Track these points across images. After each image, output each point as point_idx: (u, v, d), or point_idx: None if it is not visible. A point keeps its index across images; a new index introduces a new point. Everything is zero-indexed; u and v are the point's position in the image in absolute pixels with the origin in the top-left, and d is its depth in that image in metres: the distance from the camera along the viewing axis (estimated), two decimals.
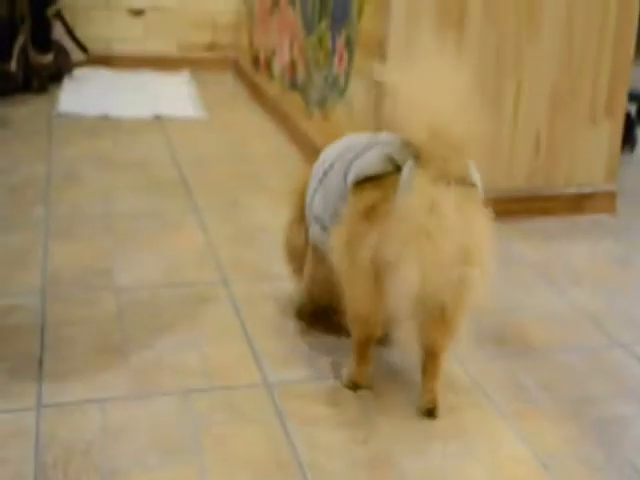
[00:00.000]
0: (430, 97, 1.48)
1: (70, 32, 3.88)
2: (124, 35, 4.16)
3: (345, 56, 2.63)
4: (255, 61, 3.82)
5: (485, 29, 2.37)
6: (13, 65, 3.54)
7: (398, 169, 1.49)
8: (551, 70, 2.48)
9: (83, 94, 3.64)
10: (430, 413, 1.58)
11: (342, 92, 2.68)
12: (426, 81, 1.49)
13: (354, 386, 1.65)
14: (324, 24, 2.83)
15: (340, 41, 2.66)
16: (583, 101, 2.54)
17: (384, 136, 1.58)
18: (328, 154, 1.73)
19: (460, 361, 1.75)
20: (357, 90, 2.56)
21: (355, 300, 1.57)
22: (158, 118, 3.40)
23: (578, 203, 2.61)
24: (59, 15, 3.85)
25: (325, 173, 1.69)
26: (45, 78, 3.70)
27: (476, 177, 1.53)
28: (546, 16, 2.42)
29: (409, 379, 1.68)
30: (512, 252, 2.32)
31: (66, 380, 1.60)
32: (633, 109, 3.48)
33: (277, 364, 1.71)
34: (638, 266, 2.30)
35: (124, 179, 2.67)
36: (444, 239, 1.43)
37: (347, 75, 2.63)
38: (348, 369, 1.67)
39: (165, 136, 3.16)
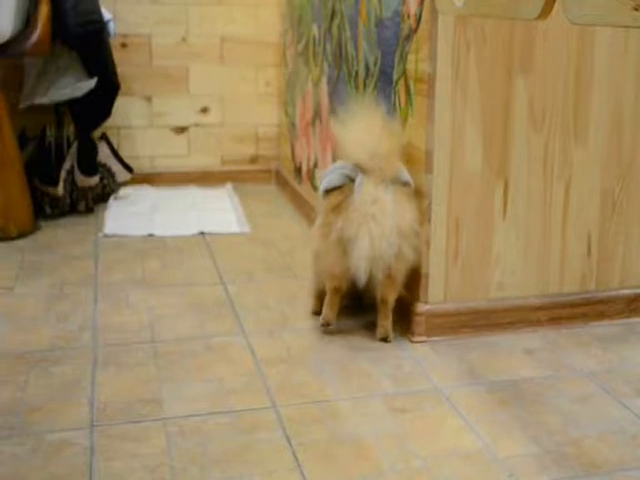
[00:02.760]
0: (366, 137, 2.25)
1: (115, 153, 3.94)
2: (168, 152, 4.22)
3: None
4: (297, 172, 3.84)
5: (531, 134, 2.35)
6: (60, 189, 3.59)
7: (352, 181, 2.22)
8: (600, 170, 2.44)
9: (128, 214, 3.68)
10: (384, 340, 2.34)
11: None
12: (362, 129, 2.27)
13: (327, 324, 2.36)
14: None
15: None
16: (634, 199, 2.50)
17: (342, 163, 2.31)
18: None
19: None
20: None
21: (328, 265, 2.31)
22: (203, 234, 3.41)
23: (634, 304, 2.54)
24: (104, 137, 3.93)
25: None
26: (91, 200, 3.74)
27: (407, 177, 2.25)
28: (593, 116, 2.39)
29: None
30: (568, 361, 2.25)
31: None
32: None
33: None
34: None
35: (170, 301, 2.66)
36: (385, 220, 2.17)
37: None
38: (323, 314, 2.36)
39: (210, 253, 3.16)
